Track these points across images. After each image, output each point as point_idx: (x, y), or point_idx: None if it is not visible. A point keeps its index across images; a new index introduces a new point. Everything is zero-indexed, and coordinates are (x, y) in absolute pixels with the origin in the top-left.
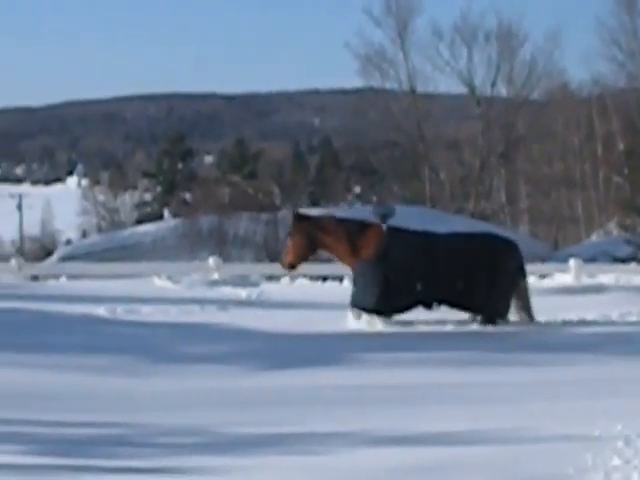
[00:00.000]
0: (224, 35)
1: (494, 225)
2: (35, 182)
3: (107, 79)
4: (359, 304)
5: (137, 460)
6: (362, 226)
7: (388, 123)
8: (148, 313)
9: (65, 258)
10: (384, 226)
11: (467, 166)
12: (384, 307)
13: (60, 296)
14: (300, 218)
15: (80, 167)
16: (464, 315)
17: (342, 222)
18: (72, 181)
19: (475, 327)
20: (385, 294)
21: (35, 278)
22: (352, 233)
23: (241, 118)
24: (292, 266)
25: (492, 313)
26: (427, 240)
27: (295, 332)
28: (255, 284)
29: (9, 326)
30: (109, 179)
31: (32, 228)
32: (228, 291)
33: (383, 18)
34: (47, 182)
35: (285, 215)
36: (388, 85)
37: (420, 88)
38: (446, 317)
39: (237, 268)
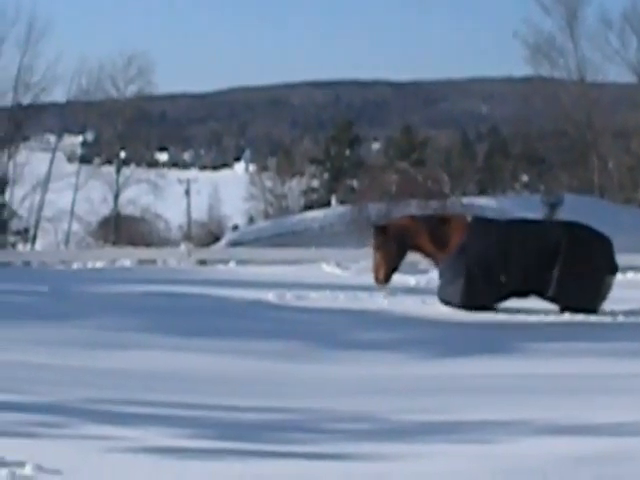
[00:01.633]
0: (392, 22)
1: None
2: (203, 168)
3: (275, 65)
4: (446, 298)
5: (305, 445)
6: (443, 219)
7: (556, 112)
8: (316, 299)
9: (233, 243)
10: (468, 217)
11: (635, 155)
12: (470, 301)
13: (229, 281)
14: (381, 230)
15: (247, 153)
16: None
17: (422, 219)
18: (239, 167)
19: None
20: (470, 287)
21: (203, 263)
22: (435, 228)
23: (408, 105)
24: (387, 280)
25: (580, 306)
26: (513, 230)
27: (461, 320)
28: (424, 271)
29: (180, 310)
30: (276, 165)
31: (200, 213)
32: (397, 278)
33: (552, 6)
34: (215, 168)
35: (454, 202)
36: (557, 74)
37: (589, 77)
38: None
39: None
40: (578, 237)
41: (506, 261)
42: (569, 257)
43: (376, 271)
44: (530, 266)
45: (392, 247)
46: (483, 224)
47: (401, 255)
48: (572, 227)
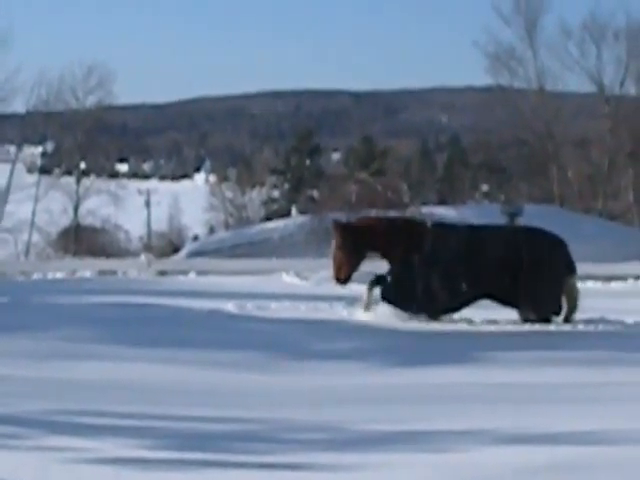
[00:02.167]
0: (351, 32)
1: (622, 224)
2: (163, 178)
3: (235, 75)
4: (399, 303)
5: (267, 456)
6: (405, 223)
7: (517, 121)
8: (277, 309)
9: (193, 254)
10: (429, 222)
11: (595, 165)
12: (429, 308)
13: (189, 292)
14: (344, 227)
15: (208, 163)
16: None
17: (385, 221)
18: (200, 177)
19: (608, 327)
20: (430, 294)
21: (163, 273)
22: (396, 230)
23: (368, 115)
24: (347, 279)
25: (541, 311)
26: (474, 236)
27: (420, 329)
28: None
29: (140, 321)
30: (237, 175)
31: (160, 224)
32: (356, 288)
33: (512, 16)
34: (175, 178)
35: (413, 212)
36: (517, 83)
37: (549, 86)
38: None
39: (365, 265)
40: (537, 241)
41: (467, 268)
42: (530, 262)
43: (337, 270)
44: (491, 273)
45: (355, 246)
46: (444, 229)
47: (363, 255)
48: (530, 232)
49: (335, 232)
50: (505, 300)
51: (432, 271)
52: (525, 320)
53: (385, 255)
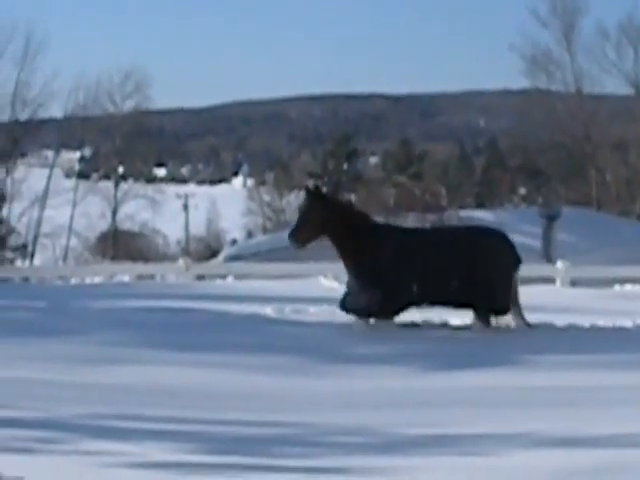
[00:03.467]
0: (388, 36)
1: None
2: (201, 182)
3: (273, 80)
4: (355, 307)
5: (304, 460)
6: (360, 217)
7: (554, 124)
8: (315, 313)
9: (231, 258)
10: (371, 222)
11: (633, 168)
12: (384, 311)
13: (227, 296)
14: (319, 196)
15: (245, 167)
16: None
17: (359, 215)
18: (237, 181)
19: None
20: (385, 297)
21: (201, 278)
22: (359, 227)
23: (406, 119)
24: (302, 243)
25: (490, 311)
26: (418, 237)
27: (458, 334)
28: None
29: (178, 325)
30: (274, 179)
31: (198, 228)
32: None
33: (549, 18)
34: (213, 182)
35: (452, 216)
36: (554, 86)
37: (586, 89)
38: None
39: None
40: (484, 239)
41: (418, 269)
42: (479, 260)
43: (296, 231)
44: (442, 273)
45: (317, 220)
46: (393, 231)
47: (319, 233)
48: (476, 230)
49: (308, 196)
50: (456, 302)
51: (388, 272)
52: (481, 318)
53: (340, 249)
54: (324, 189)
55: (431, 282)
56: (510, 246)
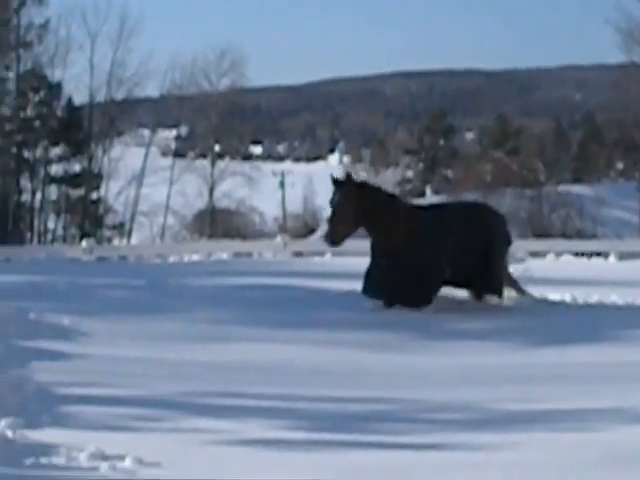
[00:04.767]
0: (483, 11)
1: None
2: (297, 160)
3: (368, 56)
4: (391, 296)
5: (401, 436)
6: (396, 203)
7: None
8: None
9: None
10: (411, 204)
11: None
12: (426, 300)
13: (325, 273)
14: (352, 184)
15: (342, 144)
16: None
17: (389, 197)
18: (333, 158)
19: None
20: (427, 284)
21: (299, 255)
22: (391, 209)
23: (502, 94)
24: (339, 242)
25: (495, 286)
26: (446, 219)
27: (565, 309)
28: (520, 260)
29: (277, 302)
30: (370, 156)
31: (294, 205)
32: None
33: None
34: (309, 160)
35: (550, 191)
36: None
37: None
38: None
39: None
40: (497, 223)
41: (446, 252)
42: (495, 244)
43: (331, 227)
44: (459, 255)
45: (354, 210)
46: (425, 212)
47: (358, 224)
48: (478, 210)
49: (342, 186)
50: (468, 283)
51: (427, 258)
52: (477, 297)
53: (375, 234)
54: (357, 176)
55: (457, 264)
56: (505, 225)
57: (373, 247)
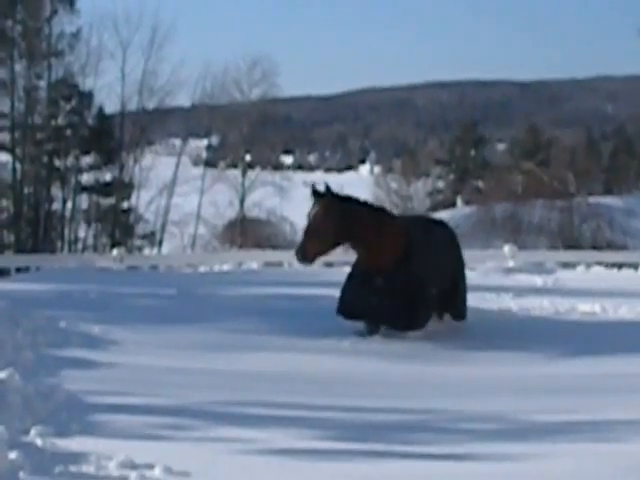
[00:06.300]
0: (515, 23)
1: None
2: (328, 170)
3: (399, 67)
4: (391, 321)
5: (432, 446)
6: (386, 217)
7: None
8: None
9: None
10: (400, 217)
11: None
12: (422, 323)
13: None
14: (333, 196)
15: (372, 155)
16: None
17: (376, 210)
18: (364, 169)
19: None
20: (423, 307)
21: (329, 265)
22: (381, 224)
23: (533, 105)
24: (311, 259)
25: (464, 307)
26: (431, 236)
27: (595, 320)
28: (551, 271)
29: (308, 312)
30: (401, 166)
31: None
32: (523, 278)
33: None
34: (340, 170)
35: (580, 202)
36: None
37: None
38: None
39: (532, 255)
40: (456, 241)
41: (435, 273)
42: (462, 263)
43: (304, 243)
44: (444, 277)
45: (333, 224)
46: (420, 230)
47: (340, 240)
48: (448, 229)
49: (319, 198)
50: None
51: (422, 279)
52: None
53: (362, 251)
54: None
55: (438, 283)
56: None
57: (357, 265)
